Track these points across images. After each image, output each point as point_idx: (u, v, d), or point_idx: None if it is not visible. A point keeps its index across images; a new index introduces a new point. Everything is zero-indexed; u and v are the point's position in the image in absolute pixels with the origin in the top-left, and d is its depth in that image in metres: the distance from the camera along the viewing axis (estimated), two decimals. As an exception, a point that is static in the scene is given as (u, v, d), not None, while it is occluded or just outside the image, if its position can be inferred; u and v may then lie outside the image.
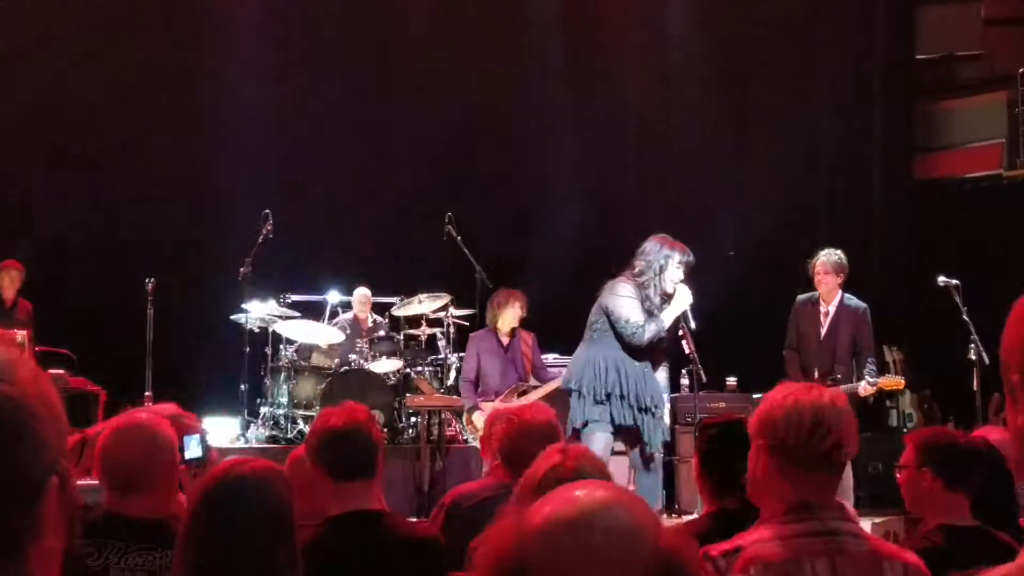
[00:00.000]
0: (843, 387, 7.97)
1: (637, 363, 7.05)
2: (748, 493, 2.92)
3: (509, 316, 8.93)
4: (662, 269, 6.99)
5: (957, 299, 8.66)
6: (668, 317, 7.01)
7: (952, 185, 13.31)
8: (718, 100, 12.67)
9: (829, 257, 8.41)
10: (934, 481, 3.64)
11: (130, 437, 3.17)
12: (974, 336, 8.55)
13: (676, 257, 7.01)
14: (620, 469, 7.41)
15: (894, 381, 8.41)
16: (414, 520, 2.71)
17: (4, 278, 10.04)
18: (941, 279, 8.85)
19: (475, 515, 3.93)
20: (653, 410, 7.07)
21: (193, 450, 3.45)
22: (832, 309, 8.42)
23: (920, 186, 13.33)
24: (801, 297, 8.65)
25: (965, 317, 8.58)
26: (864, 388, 8.16)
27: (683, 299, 7.02)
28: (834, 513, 2.72)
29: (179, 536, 2.68)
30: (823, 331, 8.45)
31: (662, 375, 7.26)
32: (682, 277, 7.00)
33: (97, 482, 3.27)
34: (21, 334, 9.35)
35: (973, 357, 8.61)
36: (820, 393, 2.76)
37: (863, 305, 8.48)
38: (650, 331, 6.93)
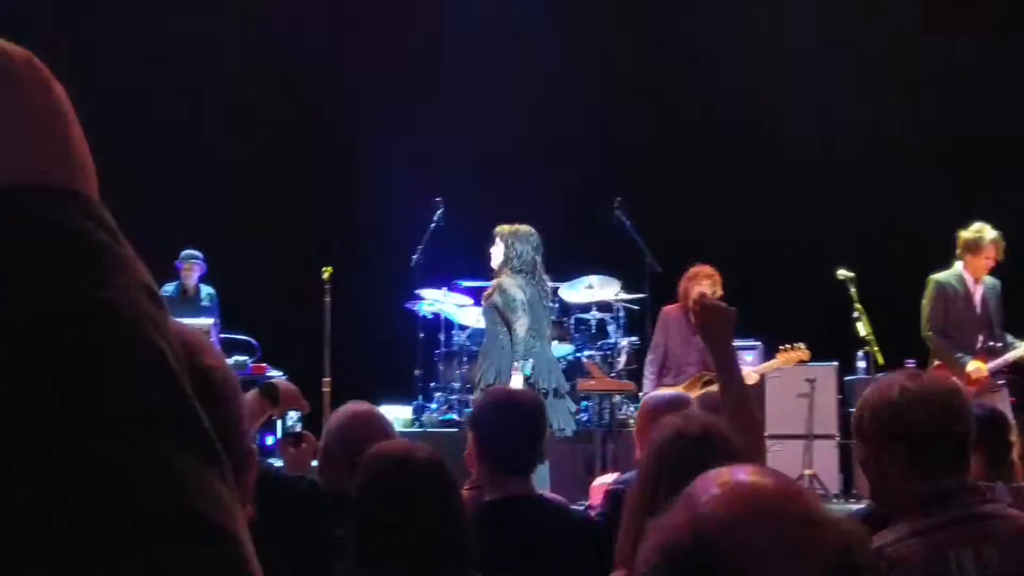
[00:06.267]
0: (1010, 355, 7.85)
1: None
2: (873, 496, 2.80)
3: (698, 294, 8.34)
4: None
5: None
6: None
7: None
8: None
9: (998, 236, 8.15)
10: None
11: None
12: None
13: None
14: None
15: None
16: (581, 506, 2.72)
17: (184, 266, 10.49)
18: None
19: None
20: (553, 391, 7.00)
21: (295, 425, 3.72)
22: (980, 285, 8.23)
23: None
24: (942, 276, 8.32)
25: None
26: None
27: None
28: (978, 496, 2.55)
29: (352, 518, 2.76)
30: (977, 307, 8.21)
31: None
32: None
33: None
34: (207, 323, 9.75)
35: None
36: (931, 379, 2.65)
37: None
38: None
